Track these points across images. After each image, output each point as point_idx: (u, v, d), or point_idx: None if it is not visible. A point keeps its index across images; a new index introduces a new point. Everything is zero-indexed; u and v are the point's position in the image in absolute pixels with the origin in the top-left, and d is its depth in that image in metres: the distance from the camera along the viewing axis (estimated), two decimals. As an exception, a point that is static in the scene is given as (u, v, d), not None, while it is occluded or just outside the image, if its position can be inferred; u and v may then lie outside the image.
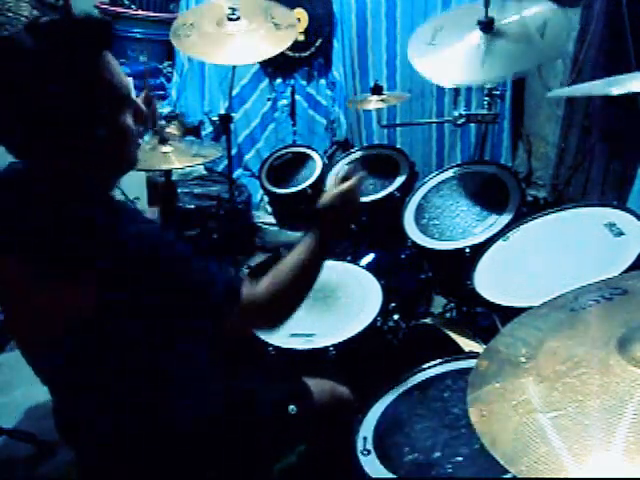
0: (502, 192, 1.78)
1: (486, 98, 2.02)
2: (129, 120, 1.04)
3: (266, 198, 2.88)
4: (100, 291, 0.94)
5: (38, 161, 0.99)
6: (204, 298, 1.01)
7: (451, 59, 1.85)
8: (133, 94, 1.09)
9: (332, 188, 1.22)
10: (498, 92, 2.01)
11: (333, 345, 1.47)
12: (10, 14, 2.79)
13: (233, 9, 2.03)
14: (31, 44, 0.91)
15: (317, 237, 1.13)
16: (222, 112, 2.33)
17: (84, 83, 0.94)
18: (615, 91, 1.14)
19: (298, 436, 1.31)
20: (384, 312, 1.63)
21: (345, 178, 1.23)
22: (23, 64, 0.91)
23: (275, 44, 2.04)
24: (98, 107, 0.96)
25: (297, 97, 3.47)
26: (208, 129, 3.44)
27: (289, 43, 2.07)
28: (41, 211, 0.96)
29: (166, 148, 2.05)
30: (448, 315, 2.14)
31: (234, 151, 3.40)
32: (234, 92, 3.28)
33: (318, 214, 1.18)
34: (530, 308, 0.89)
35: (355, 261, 1.92)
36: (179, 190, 2.90)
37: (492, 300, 1.42)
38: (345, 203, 1.19)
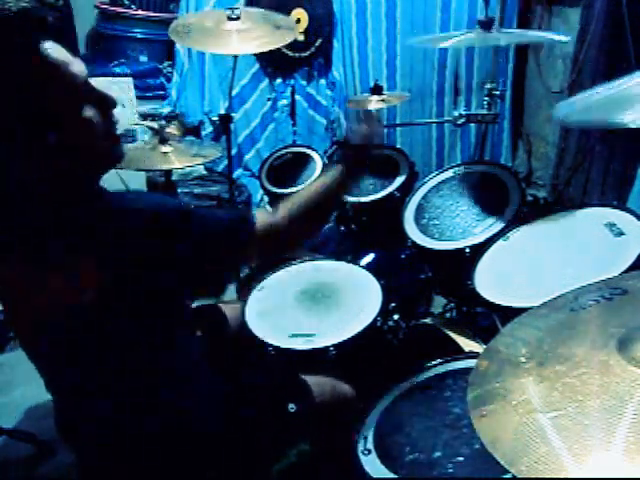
0: (502, 192, 1.78)
1: (486, 98, 2.02)
2: (89, 111, 0.94)
3: (266, 198, 2.87)
4: (100, 280, 0.94)
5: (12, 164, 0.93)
6: (220, 233, 1.07)
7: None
8: (94, 83, 0.97)
9: (355, 128, 1.28)
10: (498, 92, 2.01)
11: (333, 345, 1.47)
12: (10, 14, 2.78)
13: (233, 9, 2.03)
14: None
15: (342, 170, 1.20)
16: (222, 112, 2.33)
17: (21, 82, 0.86)
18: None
19: (298, 435, 1.31)
20: (384, 312, 1.63)
21: (368, 116, 1.34)
22: None
23: (275, 40, 2.04)
24: (44, 103, 0.88)
25: (297, 97, 3.47)
26: (208, 129, 3.44)
27: (289, 40, 2.08)
28: (31, 210, 0.95)
29: (166, 148, 2.05)
30: (448, 315, 2.14)
31: (234, 151, 3.40)
32: (234, 92, 3.28)
33: (344, 152, 1.26)
34: (530, 308, 0.89)
35: (355, 261, 1.92)
36: (179, 190, 2.90)
37: (492, 300, 1.42)
38: (368, 139, 1.26)
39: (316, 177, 1.21)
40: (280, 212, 1.15)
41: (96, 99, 0.96)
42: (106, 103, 0.98)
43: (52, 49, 0.88)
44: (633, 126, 0.96)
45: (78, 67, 0.92)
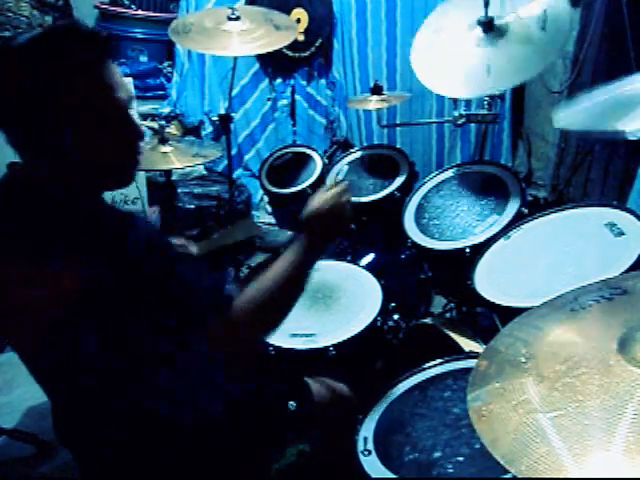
0: (502, 192, 1.78)
1: (486, 98, 2.02)
2: (114, 134, 1.00)
3: (266, 198, 2.88)
4: (90, 286, 0.94)
5: (32, 160, 1.01)
6: (189, 304, 1.01)
7: (455, 71, 1.83)
8: (133, 114, 1.06)
9: (318, 196, 1.19)
10: (498, 92, 2.01)
11: (333, 345, 1.47)
12: (10, 14, 2.79)
13: (233, 9, 2.03)
14: (33, 53, 0.94)
15: (301, 249, 1.09)
16: (222, 112, 2.34)
17: (79, 90, 0.95)
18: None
19: (298, 433, 1.31)
20: (384, 312, 1.63)
21: (336, 186, 1.20)
22: (25, 70, 0.93)
23: (275, 41, 2.04)
24: (79, 110, 0.96)
25: (297, 97, 3.47)
26: (208, 129, 3.44)
27: (289, 41, 2.08)
28: (33, 212, 0.97)
29: (166, 148, 2.05)
30: (448, 315, 2.14)
31: (234, 151, 3.40)
32: (234, 92, 3.28)
33: (302, 223, 1.15)
34: (530, 308, 0.89)
35: (355, 261, 1.92)
36: (179, 190, 2.90)
37: (492, 300, 1.42)
38: (330, 211, 1.15)
39: (278, 259, 1.10)
40: (242, 307, 1.03)
41: (129, 127, 1.02)
42: (134, 134, 1.04)
43: (111, 69, 0.99)
44: (632, 138, 0.95)
45: (124, 92, 1.00)
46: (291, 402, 1.25)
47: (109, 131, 1.00)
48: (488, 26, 1.81)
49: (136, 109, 3.09)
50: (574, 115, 1.12)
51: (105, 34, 1.01)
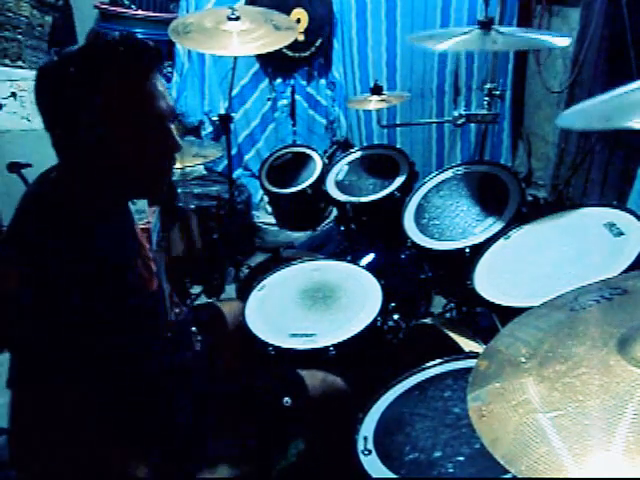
0: (502, 192, 1.78)
1: (486, 98, 2.02)
2: (150, 144, 1.04)
3: (266, 198, 2.88)
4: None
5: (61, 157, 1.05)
6: None
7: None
8: (172, 127, 1.09)
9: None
10: (498, 92, 2.01)
11: (333, 345, 1.47)
12: (10, 14, 2.79)
13: (233, 9, 2.03)
14: (84, 63, 0.99)
15: None
16: (222, 112, 2.33)
17: (124, 97, 0.99)
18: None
19: (294, 428, 1.31)
20: (384, 312, 1.63)
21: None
22: (75, 78, 0.98)
23: (275, 41, 2.04)
24: (120, 115, 1.00)
25: (297, 97, 3.47)
26: (208, 129, 3.44)
27: (289, 41, 2.08)
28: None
29: (166, 148, 2.05)
30: (448, 315, 2.14)
31: (234, 151, 3.40)
32: (234, 92, 3.28)
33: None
34: (530, 308, 0.89)
35: (355, 261, 1.92)
36: (179, 190, 2.90)
37: (492, 300, 1.42)
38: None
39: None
40: None
41: (166, 139, 1.06)
42: (172, 147, 1.08)
43: (157, 81, 1.04)
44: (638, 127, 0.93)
45: (166, 104, 1.05)
46: (286, 398, 1.25)
47: (148, 139, 1.03)
48: (487, 26, 1.81)
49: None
50: (577, 114, 1.11)
51: (154, 45, 1.05)
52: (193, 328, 1.40)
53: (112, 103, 0.98)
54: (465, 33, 1.86)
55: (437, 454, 1.11)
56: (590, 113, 1.03)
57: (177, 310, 1.27)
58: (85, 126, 0.98)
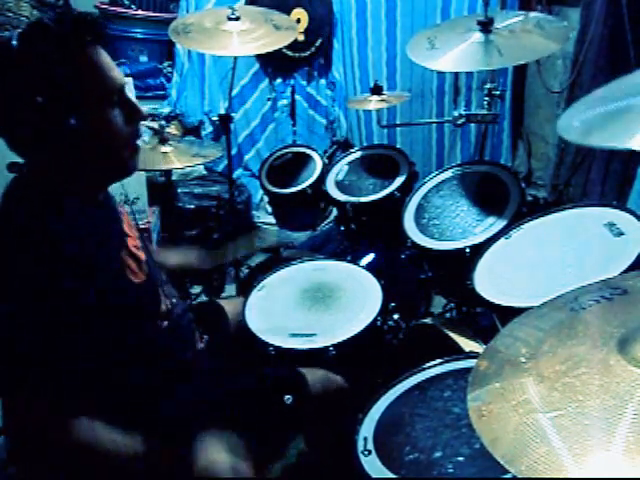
0: (502, 192, 1.78)
1: (486, 98, 2.02)
2: (116, 117, 1.03)
3: (266, 198, 2.88)
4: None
5: (28, 156, 1.05)
6: None
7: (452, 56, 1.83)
8: (130, 94, 1.09)
9: None
10: (498, 92, 2.01)
11: (333, 345, 1.47)
12: (10, 14, 2.78)
13: (233, 9, 2.03)
14: (17, 42, 0.96)
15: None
16: (222, 112, 2.33)
17: (62, 74, 0.97)
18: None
19: (296, 426, 1.31)
20: (384, 312, 1.63)
21: None
22: (6, 60, 0.96)
23: (275, 41, 2.04)
24: (77, 98, 0.98)
25: (297, 97, 3.47)
26: (208, 129, 3.44)
27: (289, 41, 2.08)
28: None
29: (166, 148, 2.05)
30: (448, 315, 2.14)
31: (234, 151, 3.40)
32: (234, 92, 3.28)
33: None
34: (530, 308, 0.89)
35: (355, 261, 1.92)
36: (179, 190, 2.90)
37: (492, 300, 1.42)
38: None
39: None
40: None
41: (127, 108, 1.05)
42: (136, 114, 1.07)
43: (98, 53, 1.01)
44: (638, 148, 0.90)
45: (117, 74, 1.03)
46: (287, 396, 1.25)
47: (109, 112, 1.02)
48: (487, 26, 1.81)
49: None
50: (574, 126, 1.10)
51: (92, 17, 1.02)
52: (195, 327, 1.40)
53: (64, 84, 0.97)
54: (465, 33, 1.85)
55: (437, 454, 1.11)
56: (587, 128, 1.00)
57: (173, 300, 1.26)
58: (46, 115, 0.96)
